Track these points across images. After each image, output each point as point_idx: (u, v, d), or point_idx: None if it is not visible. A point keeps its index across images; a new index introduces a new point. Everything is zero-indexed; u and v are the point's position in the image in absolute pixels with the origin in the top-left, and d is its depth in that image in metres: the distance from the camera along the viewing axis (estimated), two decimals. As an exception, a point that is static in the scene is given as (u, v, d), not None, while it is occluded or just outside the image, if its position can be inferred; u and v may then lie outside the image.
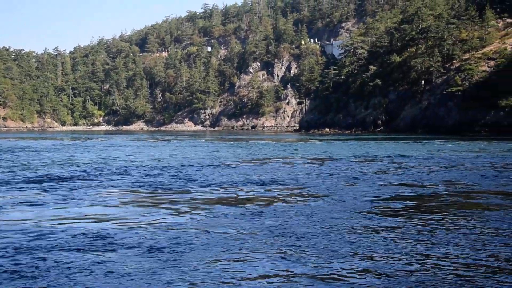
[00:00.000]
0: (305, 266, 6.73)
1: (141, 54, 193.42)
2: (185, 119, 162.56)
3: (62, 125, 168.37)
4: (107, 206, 11.52)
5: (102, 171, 19.35)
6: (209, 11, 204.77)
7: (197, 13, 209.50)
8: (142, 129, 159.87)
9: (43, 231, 8.76)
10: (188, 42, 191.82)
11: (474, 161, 23.36)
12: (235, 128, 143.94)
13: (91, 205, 11.54)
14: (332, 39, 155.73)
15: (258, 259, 7.07)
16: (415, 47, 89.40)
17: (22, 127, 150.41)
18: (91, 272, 6.51)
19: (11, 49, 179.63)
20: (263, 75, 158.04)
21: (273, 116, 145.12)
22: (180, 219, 9.87)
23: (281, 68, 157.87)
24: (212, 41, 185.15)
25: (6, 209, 11.06)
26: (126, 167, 21.09)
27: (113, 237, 8.29)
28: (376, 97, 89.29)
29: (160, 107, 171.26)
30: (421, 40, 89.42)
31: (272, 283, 6.17)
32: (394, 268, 6.66)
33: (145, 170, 19.53)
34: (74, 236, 8.36)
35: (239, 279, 6.29)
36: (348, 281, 6.23)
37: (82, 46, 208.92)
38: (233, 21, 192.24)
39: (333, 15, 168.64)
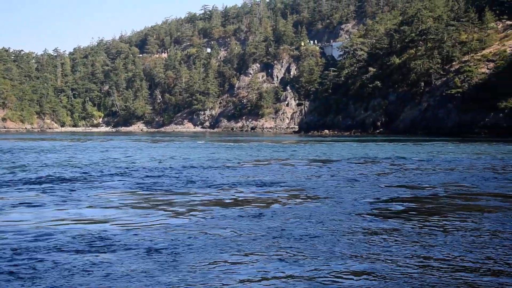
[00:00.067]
0: (304, 268, 6.72)
1: (140, 55, 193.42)
2: (185, 120, 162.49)
3: (62, 126, 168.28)
4: (106, 207, 11.53)
5: (102, 172, 19.35)
6: (209, 12, 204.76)
7: (197, 14, 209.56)
8: (141, 130, 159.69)
9: (42, 232, 8.76)
10: (188, 43, 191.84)
11: (473, 163, 23.36)
12: (234, 129, 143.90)
13: (90, 207, 11.54)
14: (331, 41, 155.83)
15: (257, 261, 7.07)
16: (414, 49, 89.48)
17: (22, 128, 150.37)
18: (90, 273, 6.51)
19: (11, 50, 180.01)
20: (262, 77, 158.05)
21: (273, 118, 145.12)
22: (179, 221, 9.87)
23: (280, 69, 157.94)
24: (212, 42, 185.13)
25: (5, 210, 11.05)
26: (126, 168, 21.09)
27: (112, 239, 8.29)
28: (376, 98, 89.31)
29: (160, 108, 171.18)
30: (420, 42, 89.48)
31: (270, 285, 6.16)
32: (393, 270, 6.66)
33: (144, 172, 19.53)
34: (73, 237, 8.35)
35: (237, 281, 6.29)
36: (347, 283, 6.22)
37: (81, 47, 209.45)
38: (233, 22, 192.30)
39: (332, 17, 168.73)
